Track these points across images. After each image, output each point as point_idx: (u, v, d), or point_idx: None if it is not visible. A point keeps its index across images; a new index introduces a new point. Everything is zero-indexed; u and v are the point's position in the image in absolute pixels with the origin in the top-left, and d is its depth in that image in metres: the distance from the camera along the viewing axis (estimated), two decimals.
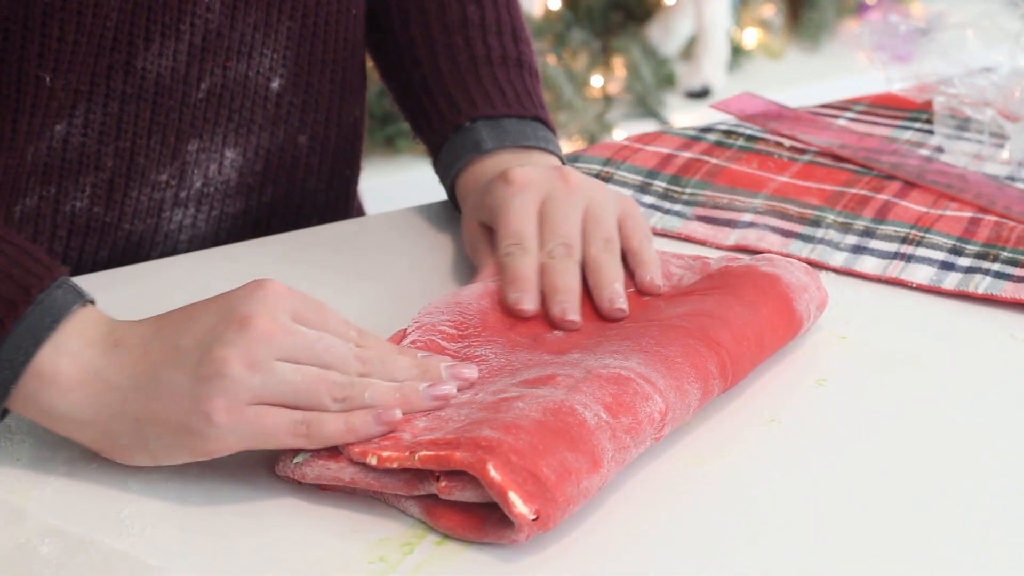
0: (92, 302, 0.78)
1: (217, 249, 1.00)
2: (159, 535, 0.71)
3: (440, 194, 1.05)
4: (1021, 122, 1.11)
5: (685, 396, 0.77)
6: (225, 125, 0.99)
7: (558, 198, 0.88)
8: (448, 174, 0.99)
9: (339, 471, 0.73)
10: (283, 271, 0.93)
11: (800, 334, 0.87)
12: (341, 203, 1.10)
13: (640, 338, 0.80)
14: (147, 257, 1.01)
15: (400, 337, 0.82)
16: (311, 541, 0.71)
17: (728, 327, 0.82)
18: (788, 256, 0.95)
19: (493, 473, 0.69)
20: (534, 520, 0.69)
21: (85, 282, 0.94)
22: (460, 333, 0.82)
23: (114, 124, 0.94)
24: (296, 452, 0.74)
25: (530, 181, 0.89)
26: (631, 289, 0.87)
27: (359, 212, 1.15)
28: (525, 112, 0.99)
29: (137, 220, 0.99)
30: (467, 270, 0.95)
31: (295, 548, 0.70)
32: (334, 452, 0.74)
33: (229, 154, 1.00)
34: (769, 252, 0.97)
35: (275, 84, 1.00)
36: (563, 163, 0.98)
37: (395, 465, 0.72)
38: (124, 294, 0.92)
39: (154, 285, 0.94)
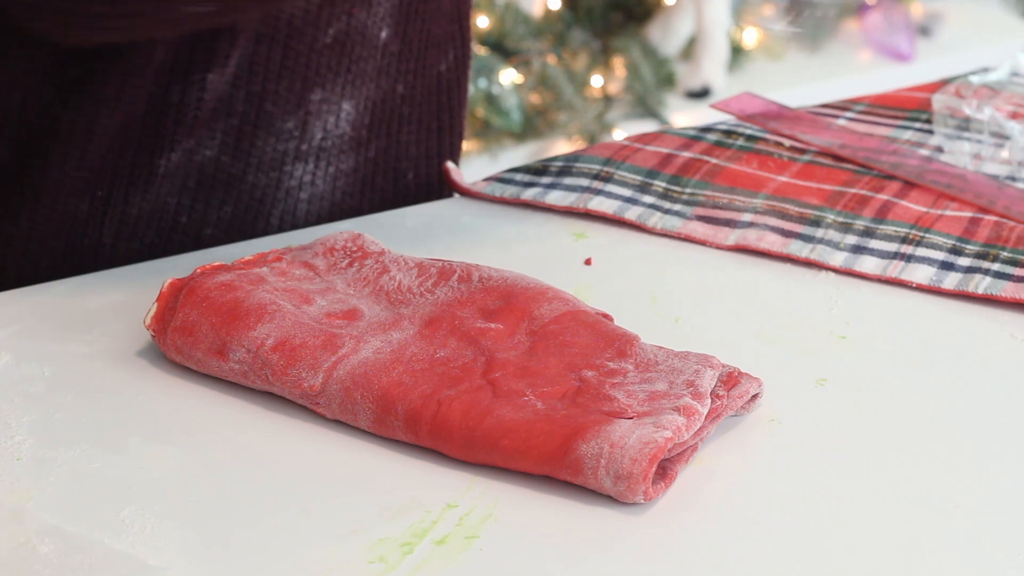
0: None
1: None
2: (159, 535, 0.71)
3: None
4: (1021, 122, 1.11)
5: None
6: (344, 76, 1.01)
7: None
8: None
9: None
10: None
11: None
12: (432, 157, 1.11)
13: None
14: (268, 215, 1.03)
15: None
16: (311, 541, 0.71)
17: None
18: (788, 256, 0.95)
19: None
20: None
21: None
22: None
23: (247, 66, 0.96)
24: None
25: None
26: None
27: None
28: None
29: (260, 173, 1.01)
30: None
31: (295, 548, 0.70)
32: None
33: (346, 106, 1.02)
34: (769, 252, 0.98)
35: (384, 34, 1.02)
36: None
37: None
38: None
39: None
